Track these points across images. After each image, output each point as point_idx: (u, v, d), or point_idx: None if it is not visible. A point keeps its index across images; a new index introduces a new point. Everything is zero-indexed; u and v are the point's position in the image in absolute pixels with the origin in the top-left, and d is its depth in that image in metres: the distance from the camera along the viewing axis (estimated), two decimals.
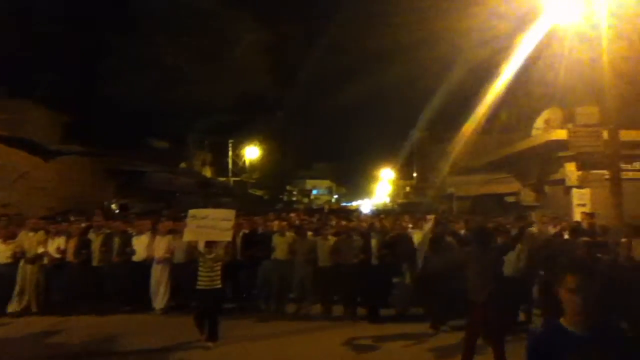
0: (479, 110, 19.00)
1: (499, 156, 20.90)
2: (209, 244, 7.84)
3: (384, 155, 63.39)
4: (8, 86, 23.69)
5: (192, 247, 8.46)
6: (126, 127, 25.10)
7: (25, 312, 9.74)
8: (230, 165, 39.26)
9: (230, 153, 39.16)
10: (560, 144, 14.89)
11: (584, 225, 9.52)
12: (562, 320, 2.53)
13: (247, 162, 39.02)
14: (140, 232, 10.36)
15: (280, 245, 10.12)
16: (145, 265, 10.02)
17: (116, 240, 10.22)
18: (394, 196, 55.36)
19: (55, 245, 10.11)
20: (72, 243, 10.09)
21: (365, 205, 70.26)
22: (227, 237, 8.14)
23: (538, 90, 15.89)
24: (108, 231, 10.41)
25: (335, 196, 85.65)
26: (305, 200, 64.90)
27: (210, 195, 33.02)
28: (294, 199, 59.38)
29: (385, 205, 56.34)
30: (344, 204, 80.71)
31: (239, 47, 26.76)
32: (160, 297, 9.88)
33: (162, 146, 33.73)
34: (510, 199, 20.82)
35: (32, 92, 24.34)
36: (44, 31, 24.30)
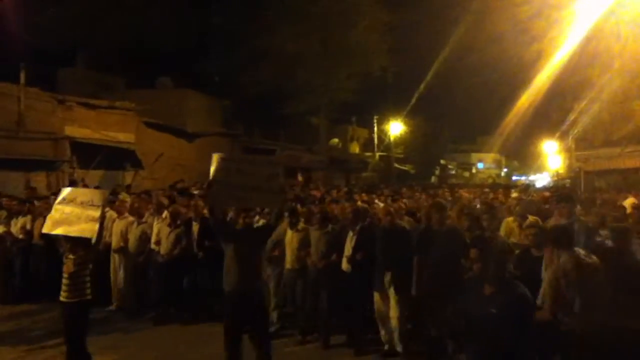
0: None
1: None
2: (70, 240, 5.63)
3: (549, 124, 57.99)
4: (172, 77, 28.22)
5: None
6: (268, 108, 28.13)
7: None
8: (375, 141, 40.53)
9: (375, 129, 40.37)
10: None
11: None
12: None
13: (391, 138, 39.88)
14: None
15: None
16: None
17: None
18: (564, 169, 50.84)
19: (19, 225, 9.48)
20: (38, 223, 8.71)
21: (542, 180, 64.93)
22: (88, 232, 5.54)
23: None
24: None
25: (505, 169, 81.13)
26: (466, 174, 62.90)
27: (346, 170, 34.86)
28: (452, 172, 58.15)
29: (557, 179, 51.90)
30: (514, 177, 76.01)
31: (366, 27, 27.66)
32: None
33: (315, 122, 36.52)
34: None
35: (193, 81, 28.56)
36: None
